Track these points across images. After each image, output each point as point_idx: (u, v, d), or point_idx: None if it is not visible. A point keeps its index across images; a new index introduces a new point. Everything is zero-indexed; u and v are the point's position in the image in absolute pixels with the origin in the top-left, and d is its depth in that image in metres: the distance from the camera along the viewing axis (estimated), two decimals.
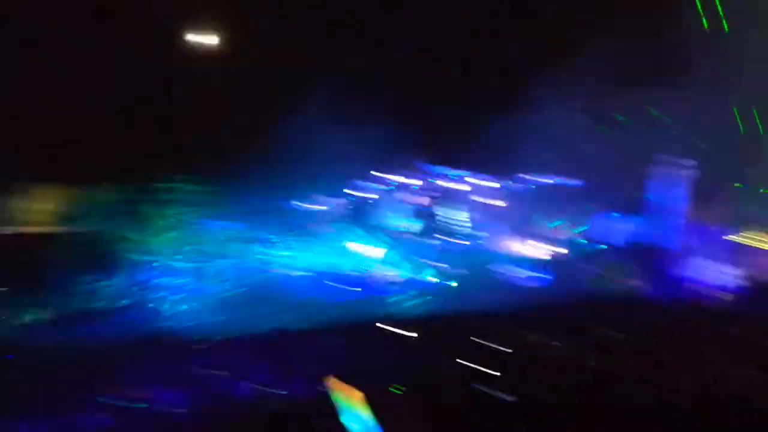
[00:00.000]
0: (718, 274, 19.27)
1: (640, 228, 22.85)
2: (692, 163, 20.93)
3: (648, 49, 20.26)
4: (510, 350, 9.71)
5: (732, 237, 19.91)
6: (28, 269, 18.24)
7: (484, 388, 7.57)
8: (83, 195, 23.13)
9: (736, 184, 21.05)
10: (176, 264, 21.39)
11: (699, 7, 20.24)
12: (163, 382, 8.55)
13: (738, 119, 20.44)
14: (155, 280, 20.71)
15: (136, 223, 22.29)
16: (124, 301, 18.63)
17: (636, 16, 20.32)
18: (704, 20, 20.20)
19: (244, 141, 23.39)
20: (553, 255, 23.27)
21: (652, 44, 20.36)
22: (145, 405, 7.21)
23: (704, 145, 21.02)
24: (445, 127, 24.26)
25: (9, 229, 21.02)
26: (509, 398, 7.02)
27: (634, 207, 23.54)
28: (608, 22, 20.82)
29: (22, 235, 20.92)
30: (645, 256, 20.47)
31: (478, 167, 29.05)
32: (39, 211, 22.08)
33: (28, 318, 18.00)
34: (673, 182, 21.11)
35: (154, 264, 21.15)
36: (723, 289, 17.44)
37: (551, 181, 25.73)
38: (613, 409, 6.02)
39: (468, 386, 7.78)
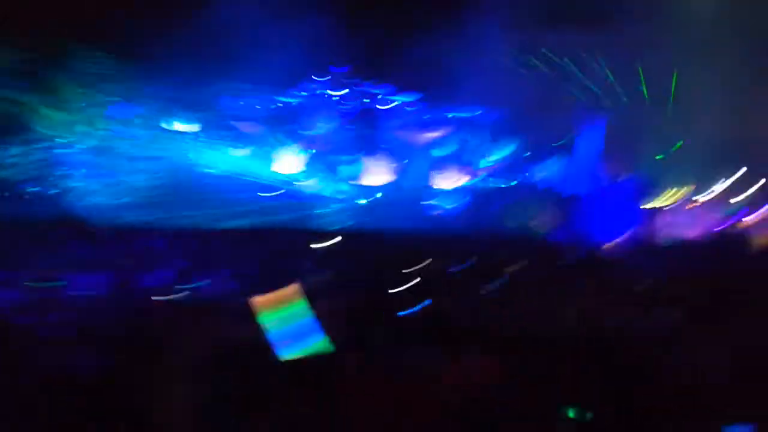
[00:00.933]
0: (616, 227, 21.08)
1: (551, 170, 24.20)
2: (608, 113, 22.05)
3: None
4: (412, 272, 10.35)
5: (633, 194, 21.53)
6: None
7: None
8: None
9: (658, 156, 22.49)
10: (85, 143, 20.16)
11: None
12: (78, 265, 8.44)
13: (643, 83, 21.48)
14: (61, 157, 19.48)
15: (37, 91, 20.51)
16: (29, 177, 17.46)
17: None
18: None
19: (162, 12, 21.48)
20: (466, 188, 24.31)
21: None
22: (61, 284, 7.15)
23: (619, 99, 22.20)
24: (374, 43, 23.58)
25: None
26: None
27: (550, 149, 24.79)
28: None
29: None
30: (555, 198, 21.91)
31: (403, 88, 28.92)
32: None
33: None
34: (592, 130, 22.33)
35: (59, 140, 19.80)
36: (614, 240, 19.19)
37: (473, 113, 26.34)
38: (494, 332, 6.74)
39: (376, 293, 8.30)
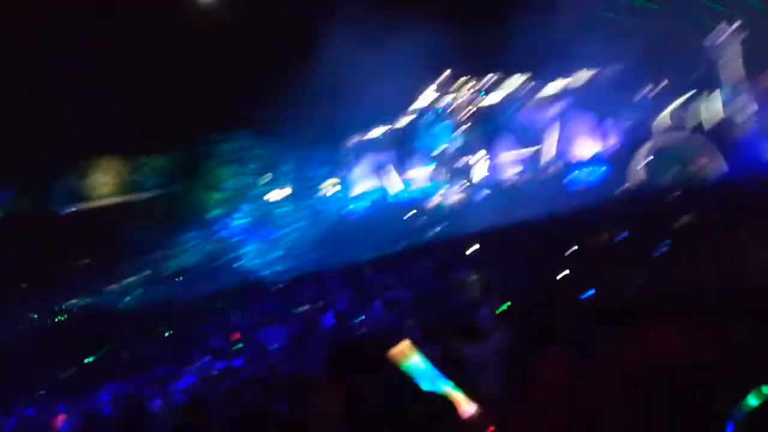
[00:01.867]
0: None
1: (697, 106, 21.71)
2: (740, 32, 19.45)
3: None
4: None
5: None
6: (111, 240, 19.70)
7: None
8: (144, 162, 24.36)
9: None
10: (244, 217, 22.52)
11: None
12: (260, 323, 9.33)
13: None
14: (229, 235, 21.97)
15: (200, 182, 23.45)
16: (204, 258, 19.97)
17: None
18: None
19: (277, 86, 23.22)
20: (607, 148, 22.64)
21: None
22: (241, 345, 8.00)
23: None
24: (466, 36, 23.19)
25: (84, 205, 22.55)
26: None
27: (688, 85, 22.34)
28: None
29: (97, 208, 22.43)
30: (709, 134, 19.61)
31: (508, 72, 27.97)
32: (107, 183, 23.47)
33: (119, 286, 19.70)
34: (732, 52, 19.80)
35: (225, 219, 22.37)
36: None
37: (593, 73, 24.56)
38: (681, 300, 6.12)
39: None
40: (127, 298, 17.81)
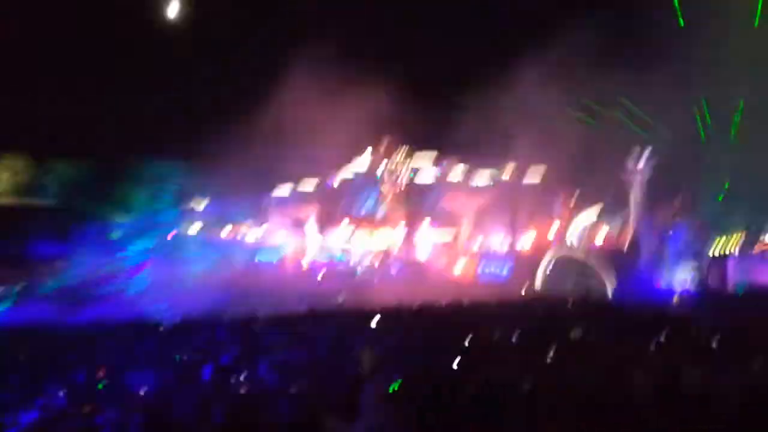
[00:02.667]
0: (683, 280, 19.95)
1: (610, 228, 23.41)
2: (653, 158, 21.37)
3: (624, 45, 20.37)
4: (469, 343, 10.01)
5: (694, 242, 20.48)
6: None
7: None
8: (51, 167, 22.69)
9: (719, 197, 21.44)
10: (147, 245, 21.26)
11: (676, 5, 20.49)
12: (132, 363, 8.61)
13: (699, 124, 20.83)
14: (125, 261, 20.57)
15: (106, 202, 22.06)
16: (90, 281, 18.44)
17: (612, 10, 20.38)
18: (680, 19, 20.50)
19: (215, 121, 22.89)
20: (517, 251, 23.74)
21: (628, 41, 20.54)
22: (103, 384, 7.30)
23: (666, 144, 21.48)
24: (409, 112, 24.19)
25: None
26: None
27: (597, 203, 24.12)
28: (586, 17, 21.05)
29: None
30: (613, 258, 21.03)
31: (443, 153, 29.12)
32: (4, 181, 21.59)
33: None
34: (638, 179, 21.63)
35: (125, 243, 20.99)
36: (684, 294, 18.10)
37: (516, 178, 26.16)
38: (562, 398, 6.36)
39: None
40: None
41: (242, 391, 7.25)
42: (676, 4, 20.52)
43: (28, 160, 21.49)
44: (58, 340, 10.61)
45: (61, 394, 6.75)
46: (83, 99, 20.80)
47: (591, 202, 24.22)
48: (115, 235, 21.11)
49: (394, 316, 12.90)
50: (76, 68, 21.43)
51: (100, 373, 7.83)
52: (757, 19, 19.25)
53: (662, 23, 19.91)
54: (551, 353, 8.78)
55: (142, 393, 6.89)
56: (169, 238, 21.99)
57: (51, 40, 20.72)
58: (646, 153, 21.67)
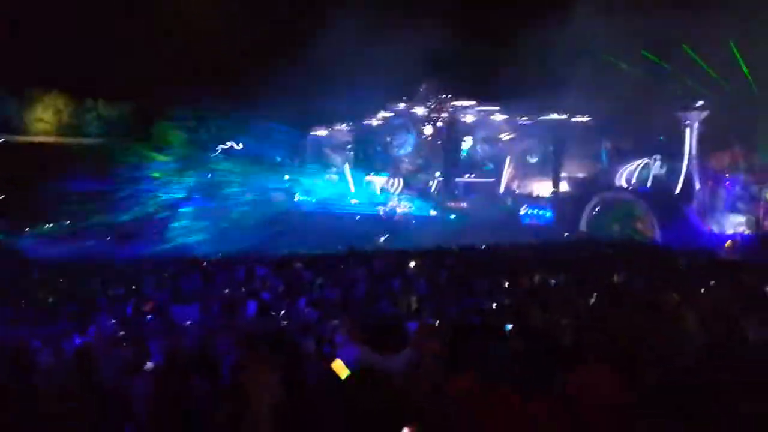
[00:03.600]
0: (733, 224, 19.26)
1: (653, 171, 22.54)
2: (707, 110, 20.36)
3: None
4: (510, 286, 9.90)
5: (751, 186, 19.59)
6: (36, 180, 18.42)
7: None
8: (91, 107, 23.03)
9: None
10: (187, 184, 21.65)
11: None
12: (178, 297, 8.84)
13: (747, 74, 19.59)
14: (167, 200, 21.03)
15: (147, 140, 22.38)
16: (134, 219, 18.97)
17: None
18: None
19: (252, 65, 22.62)
20: (562, 194, 23.16)
21: None
22: (151, 316, 7.52)
23: (720, 93, 20.36)
24: (455, 55, 23.44)
25: (15, 137, 21.08)
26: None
27: (648, 149, 23.21)
28: None
29: (29, 144, 20.98)
30: (657, 200, 20.39)
31: (486, 99, 28.44)
32: (49, 120, 22.04)
33: (35, 230, 18.49)
34: (690, 127, 20.71)
35: (166, 182, 21.41)
36: (734, 238, 17.47)
37: (562, 118, 25.24)
38: (601, 348, 6.20)
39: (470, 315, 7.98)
40: (37, 243, 16.71)
41: (282, 324, 7.36)
42: None
43: (69, 99, 21.81)
44: (106, 274, 10.99)
45: (111, 323, 6.99)
46: (122, 41, 20.78)
47: (642, 146, 23.28)
48: (157, 173, 21.53)
49: (433, 258, 12.86)
50: (113, 12, 21.33)
51: (147, 307, 8.08)
52: None
53: None
54: (593, 298, 8.62)
55: (187, 325, 7.07)
56: (209, 176, 22.31)
57: None
58: (701, 100, 20.51)
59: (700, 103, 20.34)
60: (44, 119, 20.97)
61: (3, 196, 17.87)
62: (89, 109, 21.58)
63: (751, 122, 20.08)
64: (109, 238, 17.70)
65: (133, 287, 9.70)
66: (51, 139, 21.11)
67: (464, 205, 24.20)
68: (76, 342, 6.19)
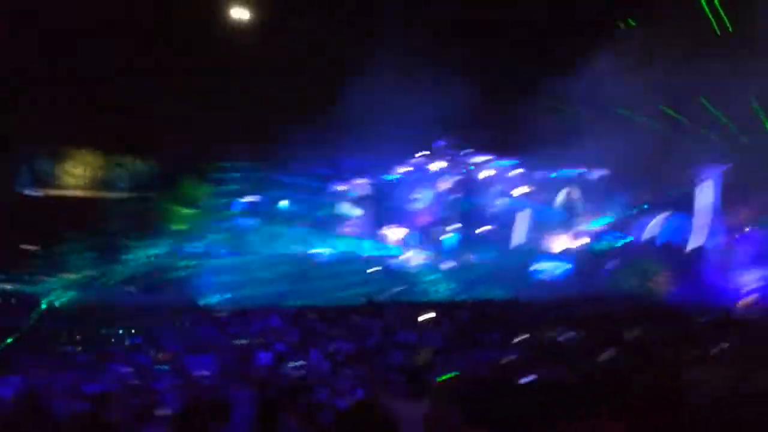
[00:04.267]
0: (749, 280, 18.85)
1: (672, 226, 22.37)
2: (727, 164, 20.32)
3: (680, 51, 19.62)
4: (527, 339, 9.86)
5: None
6: (72, 231, 19.11)
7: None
8: (119, 162, 24.02)
9: None
10: (210, 237, 22.14)
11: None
12: (193, 348, 9.01)
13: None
14: (194, 250, 21.49)
15: (176, 196, 23.12)
16: (155, 270, 19.38)
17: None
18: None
19: (286, 123, 23.32)
20: (577, 248, 23.06)
21: (684, 45, 19.73)
22: (167, 366, 7.66)
23: (739, 147, 20.38)
24: (474, 110, 23.91)
25: (52, 191, 21.97)
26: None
27: (666, 204, 23.08)
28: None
29: (64, 197, 21.84)
30: (675, 255, 20.15)
31: (504, 154, 28.72)
32: (80, 175, 22.99)
33: (58, 280, 19.02)
34: (709, 182, 20.61)
35: (190, 235, 21.93)
36: (753, 294, 17.07)
37: (579, 172, 25.39)
38: (618, 397, 6.16)
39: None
40: (60, 294, 17.11)
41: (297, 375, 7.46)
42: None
43: (100, 156, 22.72)
44: (124, 322, 11.22)
45: (126, 371, 7.16)
46: (151, 99, 21.74)
47: (659, 202, 23.20)
48: (182, 226, 22.09)
49: (447, 311, 12.89)
50: (143, 69, 22.42)
51: (162, 356, 8.26)
52: None
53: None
54: (607, 354, 8.56)
55: (201, 374, 7.20)
56: (231, 231, 22.81)
57: (115, 39, 21.69)
58: (719, 156, 20.53)
59: (719, 157, 20.35)
60: (75, 174, 21.83)
61: (32, 248, 18.48)
62: (118, 164, 22.44)
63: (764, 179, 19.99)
64: (131, 289, 18.07)
65: (151, 337, 9.91)
66: (80, 193, 21.90)
67: (480, 258, 24.17)
68: (92, 389, 6.35)
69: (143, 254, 20.25)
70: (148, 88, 22.01)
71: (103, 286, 18.23)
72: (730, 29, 19.60)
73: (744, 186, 21.06)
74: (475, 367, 8.26)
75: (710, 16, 19.69)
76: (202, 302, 16.89)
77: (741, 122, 19.78)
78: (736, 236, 20.26)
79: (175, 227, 22.08)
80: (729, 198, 21.17)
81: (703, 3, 19.81)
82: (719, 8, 19.73)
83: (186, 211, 22.46)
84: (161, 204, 21.87)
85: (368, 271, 22.44)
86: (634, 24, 20.51)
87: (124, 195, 22.42)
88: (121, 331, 10.07)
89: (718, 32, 19.61)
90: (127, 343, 9.20)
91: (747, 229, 20.61)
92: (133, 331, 10.10)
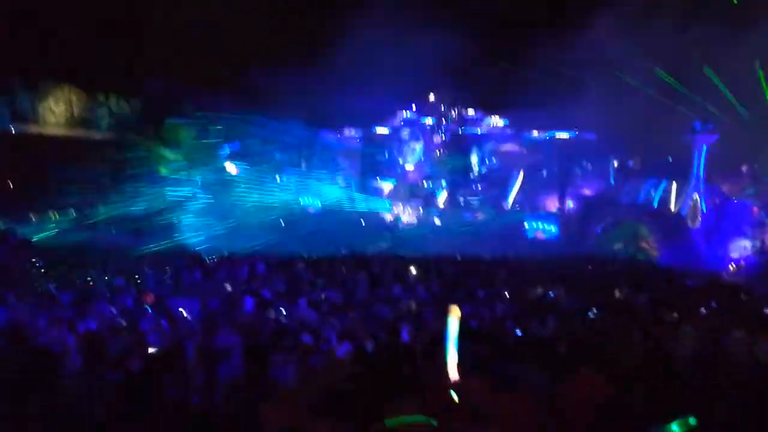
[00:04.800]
0: (739, 248, 19.18)
1: (661, 191, 22.48)
2: (717, 133, 20.27)
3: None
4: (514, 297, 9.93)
5: (758, 211, 19.53)
6: (45, 170, 18.62)
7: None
8: (102, 101, 23.24)
9: None
10: (196, 182, 21.78)
11: None
12: (178, 291, 8.88)
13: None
14: (175, 196, 21.13)
15: (156, 136, 22.55)
16: (141, 214, 19.09)
17: None
18: None
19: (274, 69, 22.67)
20: (568, 209, 23.11)
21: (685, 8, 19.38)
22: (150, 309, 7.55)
23: (734, 118, 20.31)
24: (467, 67, 23.45)
25: (27, 128, 21.26)
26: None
27: (656, 169, 23.13)
28: None
29: (40, 135, 21.17)
30: (663, 220, 20.32)
31: (496, 112, 28.49)
32: (62, 113, 22.24)
33: (41, 218, 18.68)
34: (700, 151, 20.62)
35: (178, 178, 21.54)
36: (738, 262, 17.42)
37: (570, 135, 25.25)
38: (603, 356, 6.24)
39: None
40: (43, 234, 16.80)
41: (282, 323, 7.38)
42: None
43: (82, 93, 21.96)
44: (110, 265, 11.06)
45: (112, 311, 7.04)
46: (135, 36, 20.95)
47: (651, 166, 23.22)
48: (164, 169, 21.63)
49: (435, 266, 12.86)
50: (127, 10, 21.53)
51: (148, 299, 8.11)
52: None
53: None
54: (593, 312, 8.63)
55: (186, 319, 7.10)
56: (216, 175, 22.40)
57: None
58: (710, 123, 20.42)
59: (710, 126, 20.28)
60: (56, 111, 21.07)
61: (12, 185, 18.01)
62: (101, 103, 21.69)
63: (762, 148, 20.04)
64: (113, 230, 17.77)
65: (136, 279, 9.75)
66: (61, 131, 21.24)
67: (470, 215, 24.20)
68: (80, 328, 6.24)
69: (127, 196, 19.90)
70: (134, 28, 21.22)
71: (85, 226, 17.96)
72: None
73: (734, 156, 21.14)
74: (463, 321, 8.25)
75: None
76: (186, 246, 16.73)
77: (739, 93, 19.66)
78: (724, 205, 20.47)
79: (160, 170, 21.66)
80: (719, 167, 21.28)
81: None
82: None
83: (171, 154, 21.99)
84: (145, 146, 21.36)
85: (357, 223, 22.42)
86: None
87: (108, 135, 21.84)
88: (103, 272, 9.91)
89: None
90: (109, 283, 9.05)
91: (734, 199, 20.82)
92: (115, 272, 9.95)
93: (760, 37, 18.03)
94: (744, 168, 21.30)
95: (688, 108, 20.62)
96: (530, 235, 21.71)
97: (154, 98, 22.13)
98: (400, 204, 25.21)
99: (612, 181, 23.58)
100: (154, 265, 11.32)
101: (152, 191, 20.53)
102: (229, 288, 9.47)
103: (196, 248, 16.00)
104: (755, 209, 19.51)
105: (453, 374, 4.09)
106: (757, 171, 20.82)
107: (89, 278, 9.50)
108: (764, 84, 19.36)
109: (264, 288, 9.53)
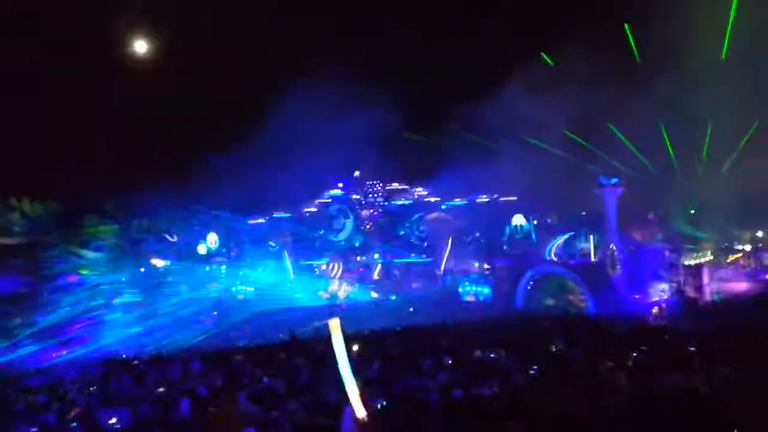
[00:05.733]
0: (657, 291, 20.35)
1: (578, 246, 23.85)
2: (626, 186, 21.83)
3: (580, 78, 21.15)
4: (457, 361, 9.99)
5: (670, 255, 20.97)
6: None
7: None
8: (15, 205, 22.12)
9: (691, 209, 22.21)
10: (119, 280, 20.77)
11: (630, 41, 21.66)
12: (106, 401, 8.32)
13: (668, 145, 21.58)
14: (97, 296, 20.00)
15: (75, 236, 21.52)
16: (59, 320, 17.86)
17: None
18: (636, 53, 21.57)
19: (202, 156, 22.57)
20: (497, 270, 23.83)
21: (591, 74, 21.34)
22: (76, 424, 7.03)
23: (639, 169, 22.14)
24: (388, 142, 24.45)
25: None
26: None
27: (573, 223, 24.56)
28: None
29: None
30: (586, 273, 21.28)
31: (422, 182, 29.66)
32: None
33: None
34: (609, 204, 22.10)
35: (96, 278, 20.46)
36: (659, 305, 18.45)
37: (488, 200, 26.57)
38: (546, 410, 6.39)
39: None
40: None
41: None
42: (632, 43, 21.55)
43: None
44: (30, 380, 10.21)
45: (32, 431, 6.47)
46: (50, 140, 20.52)
47: (566, 222, 24.64)
48: (86, 270, 20.63)
49: (376, 340, 12.77)
50: (43, 109, 21.18)
51: (73, 413, 7.54)
52: (724, 51, 20.19)
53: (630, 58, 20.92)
54: (533, 369, 8.81)
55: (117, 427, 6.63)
56: (141, 271, 21.56)
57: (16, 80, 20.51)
58: (618, 177, 22.09)
59: (616, 180, 21.87)
60: None
61: None
62: (13, 207, 20.71)
63: (665, 195, 21.83)
64: (29, 341, 16.52)
65: (59, 393, 9.04)
66: None
67: (404, 286, 24.43)
68: None
69: (44, 303, 18.64)
70: (45, 125, 20.75)
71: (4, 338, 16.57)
72: (638, 58, 21.50)
73: (641, 205, 22.85)
74: (407, 393, 8.25)
75: (632, 43, 21.46)
76: (114, 351, 15.74)
77: (642, 146, 21.52)
78: (637, 252, 21.86)
79: (80, 272, 20.57)
80: (628, 217, 22.83)
81: (627, 30, 21.60)
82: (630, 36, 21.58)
83: (90, 253, 21.00)
84: (62, 248, 20.32)
85: (293, 306, 21.96)
86: (548, 60, 22.03)
87: (21, 240, 20.64)
88: (24, 389, 9.10)
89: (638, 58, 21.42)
90: (30, 401, 8.31)
91: (644, 246, 22.31)
92: (36, 387, 9.17)
93: (661, 93, 19.98)
94: (651, 215, 23.00)
95: (596, 164, 22.27)
96: (464, 298, 22.11)
97: (71, 197, 21.39)
98: (336, 281, 25.12)
99: (534, 239, 24.68)
100: (80, 374, 10.56)
101: (72, 296, 19.42)
102: (162, 389, 8.95)
103: (125, 351, 15.12)
104: (666, 253, 20.92)
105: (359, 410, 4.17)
106: (662, 217, 22.56)
107: (8, 397, 8.72)
108: (665, 136, 21.38)
109: (199, 385, 9.07)
